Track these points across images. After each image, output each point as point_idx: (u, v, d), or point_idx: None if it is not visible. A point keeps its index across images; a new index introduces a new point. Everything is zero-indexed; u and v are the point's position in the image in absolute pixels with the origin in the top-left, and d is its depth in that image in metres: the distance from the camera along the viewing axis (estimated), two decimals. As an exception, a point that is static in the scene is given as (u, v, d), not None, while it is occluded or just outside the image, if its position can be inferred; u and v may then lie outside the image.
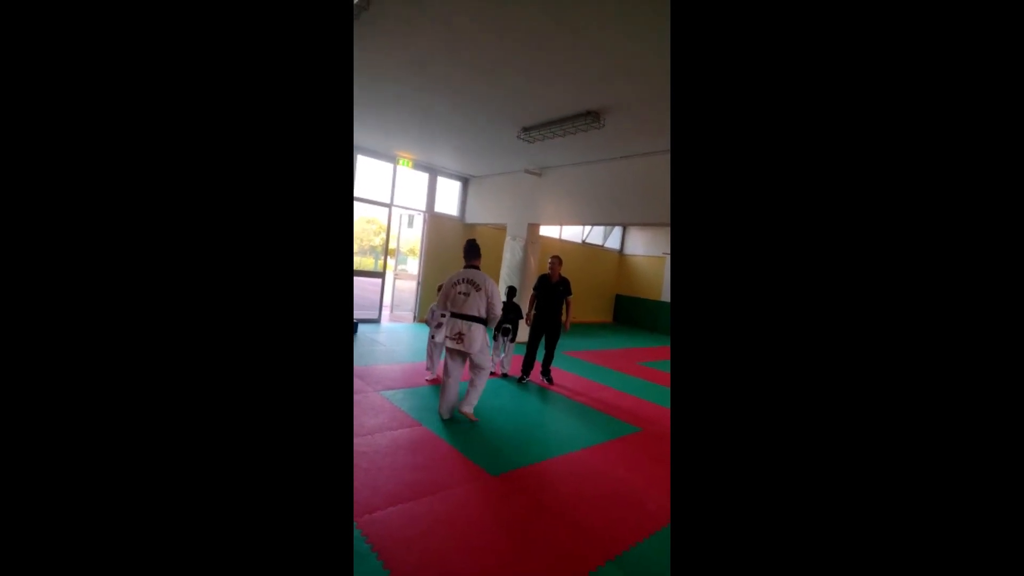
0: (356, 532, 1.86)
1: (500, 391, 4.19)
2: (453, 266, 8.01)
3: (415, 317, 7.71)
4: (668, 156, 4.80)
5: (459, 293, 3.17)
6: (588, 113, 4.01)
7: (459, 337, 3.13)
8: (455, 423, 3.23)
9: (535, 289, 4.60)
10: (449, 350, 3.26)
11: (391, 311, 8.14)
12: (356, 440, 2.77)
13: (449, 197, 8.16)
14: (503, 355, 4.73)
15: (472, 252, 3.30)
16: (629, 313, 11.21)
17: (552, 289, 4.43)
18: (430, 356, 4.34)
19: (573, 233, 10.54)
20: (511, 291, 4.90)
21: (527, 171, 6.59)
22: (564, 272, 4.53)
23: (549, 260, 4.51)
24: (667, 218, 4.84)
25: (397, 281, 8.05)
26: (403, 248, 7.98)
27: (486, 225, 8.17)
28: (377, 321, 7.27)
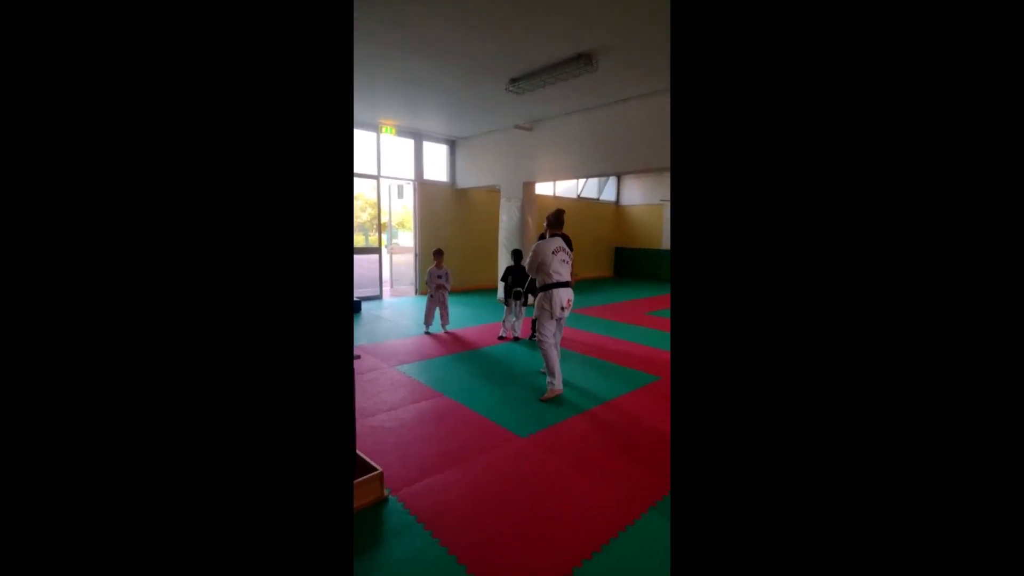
0: (398, 505, 1.87)
1: (514, 354, 4.19)
2: (448, 235, 7.89)
3: (416, 290, 7.64)
4: (667, 96, 4.57)
5: (561, 261, 3.01)
6: (580, 56, 3.77)
7: (568, 304, 3.03)
8: (472, 391, 3.23)
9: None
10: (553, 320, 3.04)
11: (391, 286, 8.05)
12: (381, 416, 2.76)
13: (437, 163, 7.88)
14: (515, 319, 4.70)
15: (559, 222, 3.16)
16: (630, 265, 11.17)
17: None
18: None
19: (567, 188, 10.31)
20: (516, 254, 4.81)
21: (517, 127, 6.31)
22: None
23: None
24: (668, 162, 4.67)
25: (392, 256, 7.92)
26: (392, 222, 7.79)
27: (478, 188, 7.95)
28: (379, 297, 7.20)
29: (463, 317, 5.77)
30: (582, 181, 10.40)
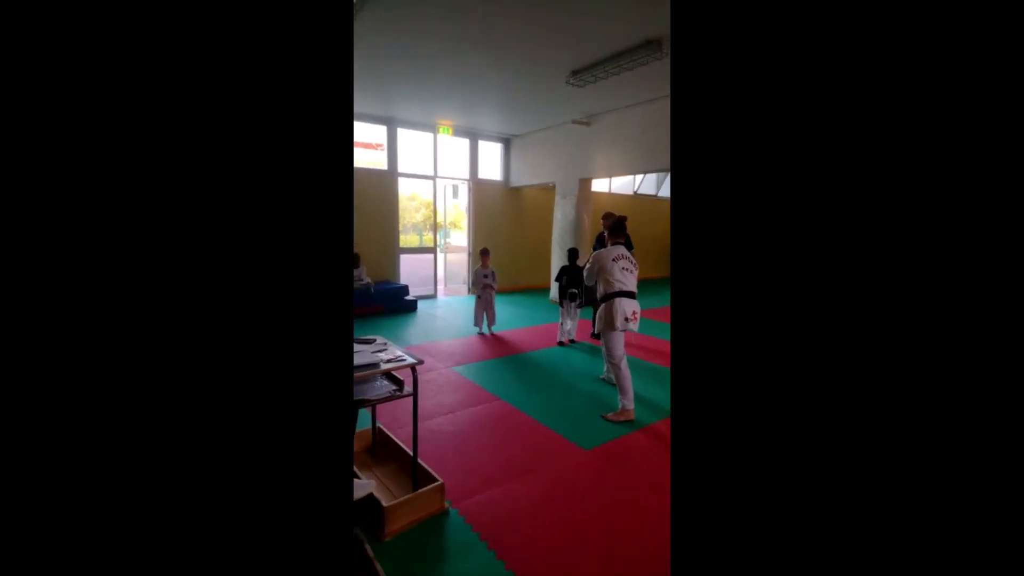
0: (460, 519, 1.78)
1: (570, 358, 4.02)
2: (500, 233, 7.83)
3: (469, 289, 7.66)
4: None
5: (623, 269, 2.78)
6: (648, 43, 3.52)
7: (635, 316, 2.79)
8: (529, 396, 3.11)
9: (595, 248, 4.34)
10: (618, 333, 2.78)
11: (444, 285, 8.14)
12: (439, 419, 2.71)
13: (491, 162, 7.85)
14: (571, 322, 4.52)
15: (621, 230, 2.97)
16: (689, 265, 10.55)
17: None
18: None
19: (623, 184, 9.93)
20: (572, 253, 4.62)
21: (575, 122, 6.11)
22: None
23: (603, 219, 4.21)
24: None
25: (446, 255, 7.99)
26: (445, 221, 7.86)
27: (532, 186, 7.82)
28: (434, 296, 7.28)
29: (515, 318, 5.68)
30: (639, 177, 9.97)
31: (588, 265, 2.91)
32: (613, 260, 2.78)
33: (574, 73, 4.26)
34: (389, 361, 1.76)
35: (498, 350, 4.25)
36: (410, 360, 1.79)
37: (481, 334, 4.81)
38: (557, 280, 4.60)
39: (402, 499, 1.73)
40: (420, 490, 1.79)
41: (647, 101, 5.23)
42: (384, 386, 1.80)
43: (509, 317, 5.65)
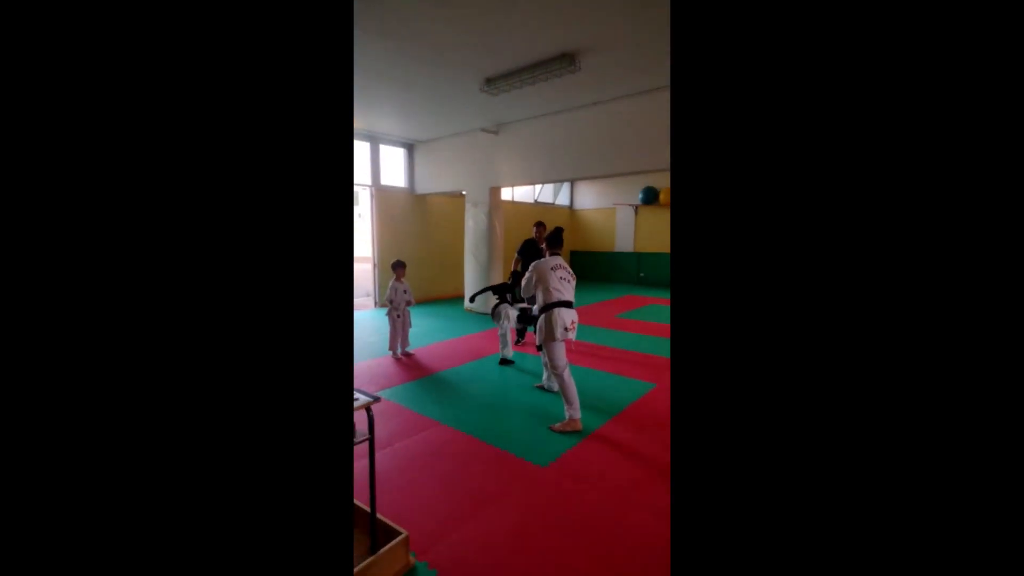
0: (431, 573, 1.56)
1: (501, 370, 3.94)
2: (406, 243, 7.43)
3: (375, 302, 7.12)
4: (648, 97, 4.54)
5: (561, 279, 2.79)
6: (563, 56, 3.63)
7: (573, 325, 2.77)
8: (466, 415, 2.94)
9: (519, 253, 4.37)
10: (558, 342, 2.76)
11: (346, 299, 7.45)
12: (378, 454, 2.39)
13: (394, 167, 7.42)
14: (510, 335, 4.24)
15: (559, 240, 2.91)
16: (585, 267, 11.29)
17: (540, 252, 4.17)
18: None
19: (524, 193, 10.22)
20: (516, 276, 4.15)
21: (484, 130, 6.07)
22: (522, 234, 4.32)
23: (535, 226, 4.28)
24: (646, 166, 4.67)
25: (348, 265, 7.34)
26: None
27: (438, 194, 7.59)
28: (335, 312, 6.60)
29: (431, 331, 5.42)
30: (539, 186, 10.36)
31: (527, 275, 2.86)
32: (551, 269, 2.77)
33: (488, 81, 4.21)
34: (338, 402, 1.47)
35: (421, 369, 3.97)
36: (364, 399, 1.52)
37: (396, 358, 4.27)
38: (499, 293, 4.06)
39: (363, 565, 1.45)
40: (382, 549, 1.53)
41: (553, 112, 5.42)
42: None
43: (425, 331, 5.35)
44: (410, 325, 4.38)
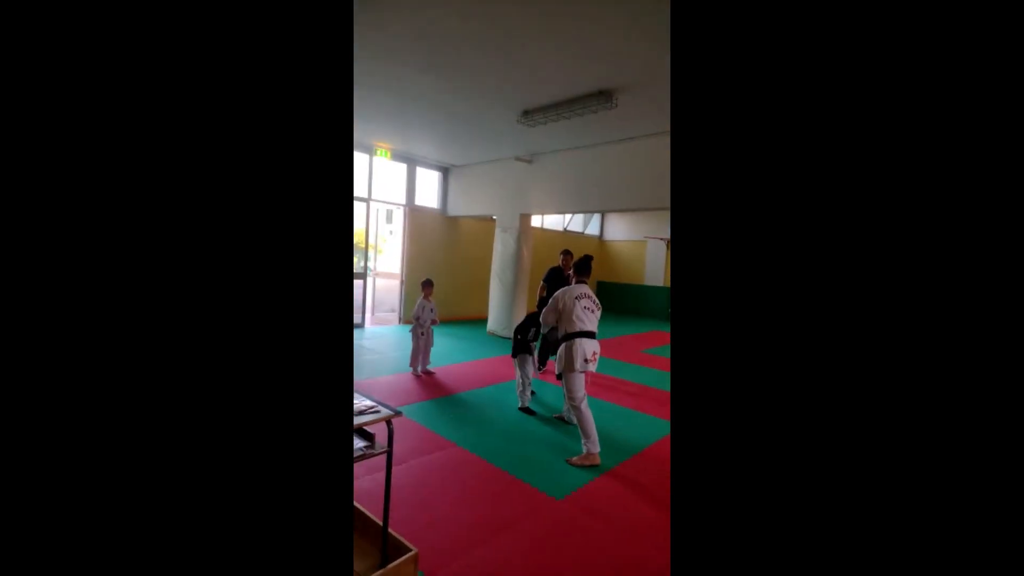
0: (438, 596, 1.54)
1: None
2: (435, 262, 7.61)
3: (400, 318, 7.26)
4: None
5: (585, 308, 2.74)
6: (601, 93, 3.74)
7: (595, 357, 2.72)
8: (484, 439, 2.92)
9: (546, 280, 4.37)
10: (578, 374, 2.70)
11: (373, 313, 7.62)
12: (393, 469, 2.40)
13: (428, 189, 7.69)
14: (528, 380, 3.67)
15: (587, 268, 2.88)
16: (612, 299, 11.19)
17: (566, 281, 4.19)
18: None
19: (554, 221, 10.33)
20: (532, 317, 3.67)
21: (518, 158, 6.25)
22: (549, 261, 4.30)
23: (561, 254, 4.30)
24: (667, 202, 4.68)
25: (375, 280, 7.55)
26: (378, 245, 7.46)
27: (470, 217, 7.78)
28: (361, 326, 6.75)
29: (453, 351, 5.45)
30: (569, 215, 10.46)
31: (549, 303, 2.87)
32: (575, 299, 2.76)
33: (526, 113, 4.37)
34: (362, 412, 1.51)
35: (440, 388, 3.99)
36: (386, 412, 1.55)
37: (416, 375, 4.28)
38: (521, 333, 3.58)
39: (371, 580, 1.45)
40: (390, 564, 1.52)
41: (587, 146, 5.54)
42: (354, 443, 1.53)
43: (446, 350, 5.39)
44: (432, 344, 4.44)
